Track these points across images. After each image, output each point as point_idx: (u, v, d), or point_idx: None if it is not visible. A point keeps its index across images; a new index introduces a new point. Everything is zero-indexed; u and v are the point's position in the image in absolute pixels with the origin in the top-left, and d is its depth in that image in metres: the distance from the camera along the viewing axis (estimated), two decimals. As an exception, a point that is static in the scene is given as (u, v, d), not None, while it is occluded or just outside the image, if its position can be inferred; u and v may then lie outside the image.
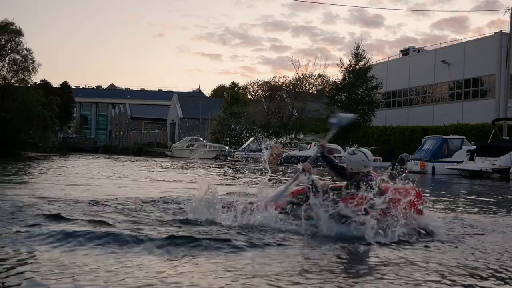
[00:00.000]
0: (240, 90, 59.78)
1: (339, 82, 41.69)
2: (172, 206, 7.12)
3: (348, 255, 4.63)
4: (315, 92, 52.59)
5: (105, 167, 21.07)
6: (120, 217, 6.03)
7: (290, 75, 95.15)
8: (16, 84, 36.65)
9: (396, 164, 27.40)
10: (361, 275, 4.00)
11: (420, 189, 5.92)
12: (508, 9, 29.48)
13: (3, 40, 35.61)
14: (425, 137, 28.50)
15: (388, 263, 4.30)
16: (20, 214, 6.03)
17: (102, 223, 5.52)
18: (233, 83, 61.70)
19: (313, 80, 53.84)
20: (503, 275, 4.05)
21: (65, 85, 73.16)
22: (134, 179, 14.50)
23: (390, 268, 4.14)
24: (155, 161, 33.40)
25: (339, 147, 34.43)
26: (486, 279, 3.94)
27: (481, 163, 22.18)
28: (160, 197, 8.18)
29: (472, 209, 8.78)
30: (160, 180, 14.32)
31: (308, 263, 4.25)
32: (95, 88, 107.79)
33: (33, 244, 4.53)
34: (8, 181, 12.14)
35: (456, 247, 5.04)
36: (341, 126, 6.61)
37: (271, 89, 54.58)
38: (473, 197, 11.90)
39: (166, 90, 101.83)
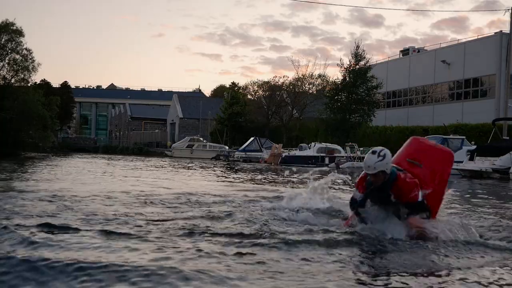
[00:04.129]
0: (240, 90, 59.74)
1: (339, 82, 41.63)
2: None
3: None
4: (315, 92, 52.60)
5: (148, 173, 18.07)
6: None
7: (290, 75, 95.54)
8: (16, 84, 36.69)
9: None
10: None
11: None
12: (508, 9, 29.43)
13: (3, 40, 35.66)
14: (425, 137, 28.43)
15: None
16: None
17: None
18: (233, 83, 61.70)
19: (313, 80, 53.91)
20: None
21: (65, 85, 73.23)
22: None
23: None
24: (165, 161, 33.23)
25: (339, 147, 34.43)
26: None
27: (481, 163, 22.16)
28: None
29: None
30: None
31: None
32: (95, 88, 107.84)
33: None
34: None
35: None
36: None
37: (271, 89, 54.55)
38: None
39: (166, 90, 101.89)
